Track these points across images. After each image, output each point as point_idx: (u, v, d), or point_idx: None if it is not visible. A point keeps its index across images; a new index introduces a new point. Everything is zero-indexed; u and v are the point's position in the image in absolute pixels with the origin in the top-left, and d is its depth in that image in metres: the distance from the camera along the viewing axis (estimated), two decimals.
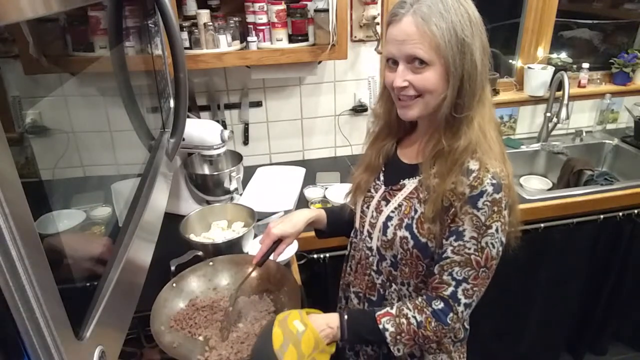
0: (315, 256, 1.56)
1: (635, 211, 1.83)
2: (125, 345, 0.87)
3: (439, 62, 0.86)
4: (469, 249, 0.89)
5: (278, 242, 1.10)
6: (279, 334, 0.90)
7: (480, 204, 0.87)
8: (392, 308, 0.95)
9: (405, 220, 0.96)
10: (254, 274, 1.22)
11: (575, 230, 1.79)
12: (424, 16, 0.84)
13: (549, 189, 2.11)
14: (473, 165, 0.89)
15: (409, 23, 0.85)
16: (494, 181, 0.87)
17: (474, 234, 0.89)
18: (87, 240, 0.61)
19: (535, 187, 2.13)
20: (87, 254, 0.59)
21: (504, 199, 0.89)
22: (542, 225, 1.74)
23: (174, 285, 1.15)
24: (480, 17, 0.88)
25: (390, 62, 0.91)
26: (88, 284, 0.54)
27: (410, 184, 0.98)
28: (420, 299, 0.95)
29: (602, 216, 1.80)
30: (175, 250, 1.30)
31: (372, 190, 1.06)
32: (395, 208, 0.99)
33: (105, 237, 0.63)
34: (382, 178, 1.05)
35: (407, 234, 0.96)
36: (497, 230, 0.89)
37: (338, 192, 1.71)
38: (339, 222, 1.20)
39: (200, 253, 1.29)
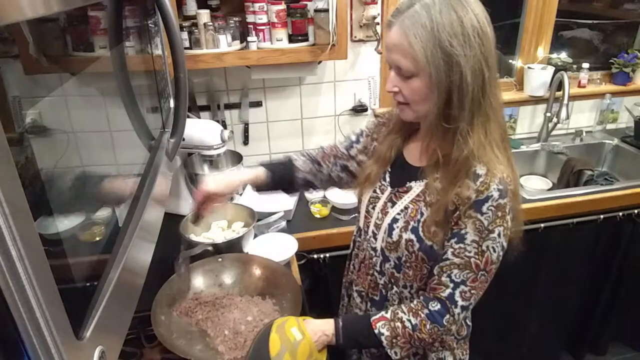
0: (315, 256, 1.56)
1: (635, 211, 1.83)
2: (125, 345, 0.87)
3: (422, 73, 0.85)
4: (470, 252, 0.89)
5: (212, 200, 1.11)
6: (277, 341, 0.91)
7: (484, 209, 0.87)
8: (386, 312, 0.95)
9: (412, 223, 0.96)
10: (257, 273, 1.23)
11: (575, 230, 1.79)
12: (405, 28, 0.83)
13: (549, 189, 2.11)
14: (480, 170, 0.88)
15: (394, 33, 0.86)
16: (500, 187, 0.87)
17: (475, 237, 0.88)
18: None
19: (535, 187, 2.13)
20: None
21: (509, 204, 0.89)
22: (542, 225, 1.74)
23: (179, 278, 1.15)
24: (483, 26, 0.84)
25: (388, 65, 0.93)
26: (88, 284, 0.54)
27: (417, 187, 0.98)
28: (415, 302, 0.95)
29: (602, 216, 1.80)
30: (175, 250, 1.30)
31: (378, 191, 1.05)
32: (402, 210, 0.99)
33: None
34: (387, 179, 1.04)
35: (412, 236, 0.95)
36: (499, 234, 0.89)
37: (338, 192, 1.71)
38: (277, 179, 1.16)
39: (210, 248, 1.29)
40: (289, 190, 1.22)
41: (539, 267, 1.85)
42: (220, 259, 1.23)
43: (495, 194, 0.87)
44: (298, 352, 0.90)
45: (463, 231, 0.89)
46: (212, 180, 1.11)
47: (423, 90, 0.87)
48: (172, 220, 1.35)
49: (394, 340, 0.92)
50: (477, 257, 0.89)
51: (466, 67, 0.83)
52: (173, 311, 1.10)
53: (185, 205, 1.65)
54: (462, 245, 0.90)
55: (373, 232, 1.05)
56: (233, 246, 1.35)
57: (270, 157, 2.10)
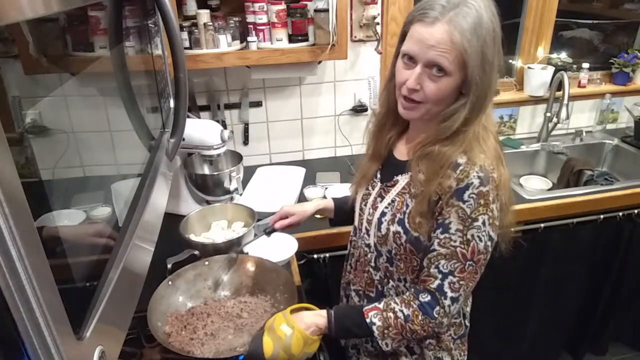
0: (315, 256, 1.56)
1: (635, 211, 1.83)
2: (125, 345, 0.87)
3: (458, 75, 0.85)
4: (455, 241, 0.89)
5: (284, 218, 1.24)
6: (269, 342, 0.92)
7: (465, 197, 0.87)
8: (379, 303, 0.96)
9: (398, 215, 0.97)
10: (247, 272, 1.23)
11: (575, 230, 1.79)
12: (461, 30, 0.81)
13: (549, 189, 2.11)
14: (461, 159, 0.89)
15: (442, 31, 0.82)
16: (480, 174, 0.87)
17: (459, 226, 0.89)
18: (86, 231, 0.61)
19: (535, 187, 2.13)
20: (88, 243, 0.59)
21: (492, 192, 0.88)
22: (542, 225, 1.74)
23: (170, 283, 1.16)
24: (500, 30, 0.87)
25: (407, 59, 0.89)
26: (88, 284, 0.54)
27: (402, 180, 1.00)
28: (407, 293, 0.96)
29: (602, 216, 1.80)
30: (175, 250, 1.30)
31: (370, 188, 1.07)
32: (389, 204, 1.00)
33: (102, 225, 0.63)
34: (379, 175, 1.07)
35: (399, 228, 0.96)
36: (483, 223, 0.89)
37: (338, 192, 1.71)
38: (345, 211, 1.25)
39: (196, 252, 1.30)
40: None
41: (539, 267, 1.85)
42: (206, 262, 1.23)
43: (476, 182, 0.87)
44: (292, 345, 0.92)
45: (447, 221, 0.89)
46: (292, 204, 1.27)
47: (448, 91, 0.87)
48: (172, 220, 1.35)
49: (386, 331, 0.93)
50: (462, 246, 0.89)
51: (492, 72, 0.85)
52: (167, 317, 1.10)
53: (185, 205, 1.65)
54: (447, 235, 0.90)
55: (366, 228, 1.06)
56: (233, 246, 1.35)
57: (270, 157, 2.10)
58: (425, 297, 0.92)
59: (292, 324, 0.93)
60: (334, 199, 1.31)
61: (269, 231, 1.26)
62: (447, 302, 0.92)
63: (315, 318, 0.96)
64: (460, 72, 0.85)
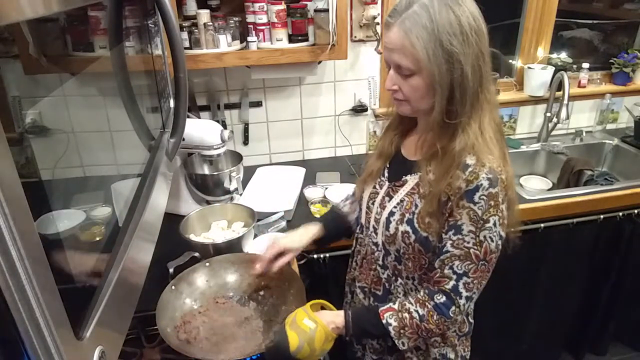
0: (315, 256, 1.56)
1: (635, 211, 1.83)
2: (125, 345, 0.87)
3: (423, 72, 0.87)
4: (468, 242, 0.91)
5: (281, 254, 1.15)
6: (294, 336, 0.94)
7: (476, 198, 0.88)
8: (394, 303, 0.97)
9: (407, 215, 0.98)
10: (250, 271, 1.23)
11: (575, 230, 1.79)
12: (406, 29, 0.85)
13: (549, 189, 2.11)
14: (470, 160, 0.89)
15: (394, 33, 0.87)
16: (489, 175, 0.88)
17: (471, 227, 0.90)
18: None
19: (535, 187, 2.13)
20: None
21: (501, 193, 0.89)
22: (542, 225, 1.74)
23: (173, 287, 1.15)
24: (478, 23, 0.85)
25: (386, 64, 0.94)
26: (88, 284, 0.54)
27: (412, 180, 1.00)
28: (422, 293, 0.97)
29: (602, 216, 1.80)
30: (175, 250, 1.30)
31: (377, 187, 1.08)
32: (398, 203, 1.01)
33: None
34: (386, 174, 1.07)
35: (408, 228, 0.97)
36: (494, 224, 0.90)
37: (338, 192, 1.71)
38: (335, 231, 1.24)
39: (196, 254, 1.29)
40: (350, 235, 1.25)
41: (539, 267, 1.85)
42: (207, 264, 1.23)
43: (485, 183, 0.88)
44: (315, 339, 0.94)
45: (459, 222, 0.90)
46: (284, 237, 1.18)
47: (422, 88, 0.89)
48: (172, 220, 1.35)
49: (402, 331, 0.94)
50: (475, 247, 0.91)
51: (466, 64, 0.85)
52: (176, 321, 1.10)
53: (185, 206, 1.65)
54: (459, 237, 0.91)
55: (374, 226, 1.07)
56: (233, 246, 1.35)
57: (270, 157, 2.10)
58: (440, 298, 0.94)
59: (315, 319, 0.96)
60: (323, 222, 1.23)
61: (265, 272, 1.14)
62: (462, 301, 0.93)
63: (334, 317, 0.99)
64: (422, 70, 0.86)
